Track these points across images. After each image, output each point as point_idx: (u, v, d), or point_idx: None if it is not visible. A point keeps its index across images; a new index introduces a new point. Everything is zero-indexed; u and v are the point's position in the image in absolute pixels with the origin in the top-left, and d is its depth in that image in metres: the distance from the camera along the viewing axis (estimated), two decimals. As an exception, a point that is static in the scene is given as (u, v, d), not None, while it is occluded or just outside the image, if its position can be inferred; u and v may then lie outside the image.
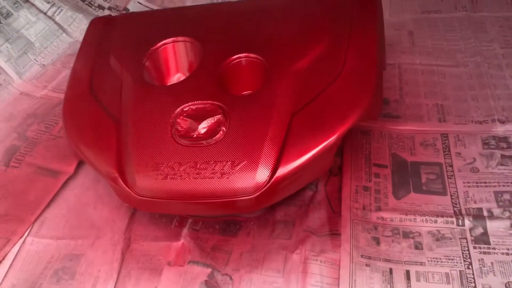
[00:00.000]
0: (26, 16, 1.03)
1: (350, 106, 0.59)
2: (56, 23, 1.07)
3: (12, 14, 1.02)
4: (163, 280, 0.61)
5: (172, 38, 0.72)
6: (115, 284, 0.62)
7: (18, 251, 0.67)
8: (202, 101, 0.62)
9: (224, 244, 0.65)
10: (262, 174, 0.56)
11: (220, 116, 0.61)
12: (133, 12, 1.09)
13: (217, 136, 0.59)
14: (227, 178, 0.56)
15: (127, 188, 0.59)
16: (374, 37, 0.65)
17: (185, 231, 0.66)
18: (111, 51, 0.73)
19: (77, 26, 1.09)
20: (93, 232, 0.69)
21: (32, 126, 0.87)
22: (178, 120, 0.61)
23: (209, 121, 0.61)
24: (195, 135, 0.60)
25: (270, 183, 0.56)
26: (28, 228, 0.70)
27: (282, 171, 0.57)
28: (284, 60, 0.64)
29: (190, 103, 0.62)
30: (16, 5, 1.03)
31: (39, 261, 0.66)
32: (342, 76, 0.61)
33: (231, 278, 0.60)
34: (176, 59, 0.73)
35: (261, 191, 0.56)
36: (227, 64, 0.67)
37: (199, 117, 0.61)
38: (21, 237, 0.69)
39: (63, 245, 0.68)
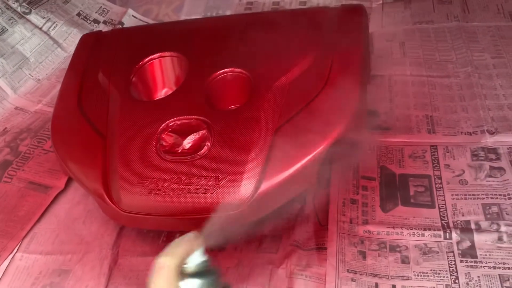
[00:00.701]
0: (21, 32, 1.05)
1: (332, 120, 0.59)
2: (51, 38, 1.08)
3: (7, 30, 1.03)
4: (149, 296, 0.61)
5: (159, 54, 0.73)
6: (102, 300, 0.62)
7: (7, 267, 0.68)
8: (187, 116, 0.63)
9: (211, 259, 0.64)
10: (246, 189, 0.56)
11: (205, 131, 0.61)
12: (123, 28, 1.10)
13: (202, 151, 0.59)
14: (211, 193, 0.56)
15: (112, 205, 0.59)
16: (358, 52, 0.65)
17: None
18: (100, 67, 0.74)
19: (72, 40, 1.10)
20: (81, 247, 0.69)
21: (25, 140, 0.88)
22: (163, 136, 0.62)
23: (193, 136, 0.61)
24: (179, 151, 0.60)
25: (254, 198, 0.56)
26: (17, 244, 0.71)
27: (266, 185, 0.57)
28: (268, 75, 0.65)
29: (175, 118, 0.63)
30: (11, 21, 1.04)
31: (27, 276, 0.66)
32: (325, 91, 0.61)
33: (216, 293, 0.60)
34: (163, 74, 0.74)
35: (245, 206, 0.56)
36: (212, 79, 0.67)
37: (184, 132, 0.61)
38: (10, 253, 0.69)
39: (51, 260, 0.68)
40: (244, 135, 0.59)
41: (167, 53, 0.72)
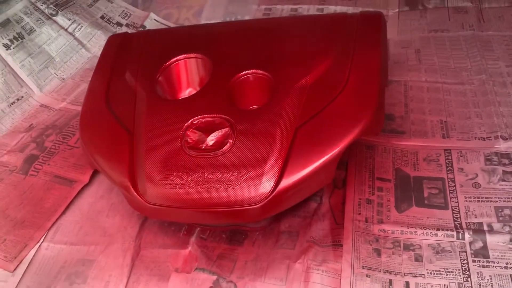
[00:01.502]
0: (48, 32, 1.09)
1: (351, 121, 0.61)
2: (76, 39, 1.12)
3: (35, 30, 1.07)
4: (171, 286, 0.63)
5: (184, 55, 0.76)
6: (125, 288, 0.64)
7: (34, 256, 0.71)
8: (211, 115, 0.65)
9: (230, 253, 0.67)
10: (266, 185, 0.59)
11: (227, 129, 0.64)
12: (148, 30, 1.13)
13: (224, 148, 0.62)
14: (233, 188, 0.59)
15: (138, 197, 0.62)
16: (377, 55, 0.68)
17: (192, 239, 0.69)
18: (127, 67, 0.77)
19: (96, 42, 1.14)
20: (105, 238, 0.72)
21: (50, 136, 0.91)
22: (188, 132, 0.64)
23: (217, 134, 0.63)
24: (203, 147, 0.63)
25: (274, 194, 0.59)
26: (44, 234, 0.73)
27: (285, 182, 0.59)
28: (289, 77, 0.67)
29: (199, 117, 0.65)
30: (39, 22, 1.08)
31: (53, 265, 0.69)
32: (345, 92, 0.64)
33: (235, 286, 0.62)
34: (188, 74, 0.77)
35: (266, 201, 0.58)
36: (235, 80, 0.70)
37: (207, 129, 0.64)
38: (37, 243, 0.72)
39: (76, 251, 0.71)
40: (265, 133, 0.62)
41: (192, 55, 0.75)
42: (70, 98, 1.02)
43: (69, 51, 1.10)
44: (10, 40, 1.01)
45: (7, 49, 1.00)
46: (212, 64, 0.73)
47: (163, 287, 0.64)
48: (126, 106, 0.71)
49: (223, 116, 0.65)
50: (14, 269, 0.69)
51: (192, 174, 0.61)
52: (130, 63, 0.77)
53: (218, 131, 0.64)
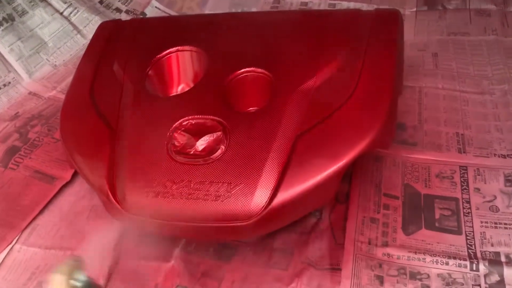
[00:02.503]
0: (41, 15, 1.02)
1: (359, 132, 0.54)
2: (71, 23, 1.06)
3: (27, 12, 1.01)
4: (148, 304, 0.58)
5: (177, 47, 0.69)
6: (98, 303, 0.58)
7: (4, 258, 0.65)
8: (202, 116, 0.59)
9: (216, 270, 0.61)
10: (259, 199, 0.52)
11: (220, 133, 0.57)
12: (142, 18, 1.07)
13: (215, 154, 0.56)
14: (222, 201, 0.52)
15: (116, 204, 0.56)
16: (391, 59, 0.61)
17: (177, 251, 0.63)
18: (116, 57, 0.70)
19: (92, 28, 1.07)
20: (83, 244, 0.66)
21: (35, 127, 0.85)
22: (176, 135, 0.58)
23: (208, 138, 0.57)
24: (192, 152, 0.56)
25: (267, 210, 0.52)
26: (17, 235, 0.68)
27: (281, 197, 0.53)
28: (292, 78, 0.60)
29: (189, 117, 0.59)
30: (32, 3, 1.02)
31: (24, 270, 0.64)
32: (353, 99, 0.57)
33: (219, 310, 0.56)
34: (181, 69, 0.70)
35: (258, 217, 0.52)
36: (232, 78, 0.63)
37: (198, 132, 0.58)
38: (9, 244, 0.67)
39: (50, 255, 0.65)
40: (261, 140, 0.55)
41: (186, 47, 0.69)
42: (61, 87, 0.96)
43: (63, 36, 1.04)
44: (-1, 22, 0.95)
45: (-5, 31, 0.94)
46: (208, 58, 0.66)
47: (140, 305, 0.58)
48: (111, 101, 0.65)
49: (216, 118, 0.58)
50: (-19, 273, 0.63)
51: (177, 182, 0.54)
52: (120, 54, 0.71)
53: (209, 135, 0.57)
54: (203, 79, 0.64)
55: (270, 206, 0.52)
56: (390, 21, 0.67)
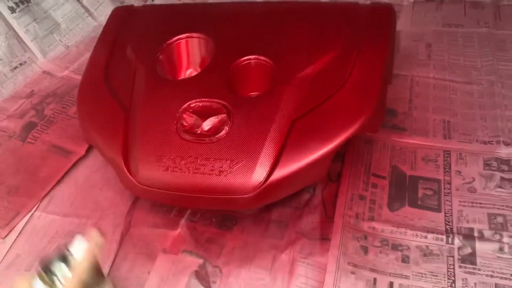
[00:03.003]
0: (55, -3, 1.07)
1: (349, 118, 0.60)
2: (83, 6, 1.10)
3: (41, -6, 1.05)
4: (156, 266, 0.64)
5: (187, 34, 0.74)
6: (112, 265, 0.65)
7: (26, 224, 0.71)
8: (209, 99, 0.64)
9: (219, 238, 0.67)
10: (258, 175, 0.58)
11: (224, 115, 0.63)
12: (154, 4, 1.11)
13: (220, 134, 0.61)
14: (225, 176, 0.58)
15: (129, 175, 0.62)
16: (383, 52, 0.66)
17: (183, 221, 0.69)
18: (129, 42, 0.76)
19: (103, 10, 1.12)
20: (97, 213, 0.72)
21: (50, 105, 0.91)
22: (184, 116, 0.64)
23: (213, 119, 0.63)
24: (198, 131, 0.62)
25: (265, 185, 0.58)
26: (37, 203, 0.74)
27: (278, 174, 0.59)
28: (292, 66, 0.66)
29: (197, 100, 0.65)
30: (46, -14, 1.06)
31: (44, 235, 0.70)
32: (346, 87, 0.62)
33: (220, 271, 0.63)
34: (189, 55, 0.75)
35: (256, 191, 0.58)
36: (237, 65, 0.68)
37: (204, 114, 0.63)
38: (30, 211, 0.73)
39: (67, 222, 0.71)
40: (262, 122, 0.61)
41: (195, 34, 0.74)
42: (73, 67, 1.01)
43: (75, 18, 1.09)
44: (16, 3, 1.00)
45: (12, 12, 0.99)
46: (215, 45, 0.72)
47: (149, 267, 0.64)
48: (124, 83, 0.70)
49: (221, 101, 0.64)
50: (5, 236, 0.70)
51: (185, 158, 0.60)
52: (133, 39, 0.76)
53: (214, 117, 0.63)
54: (210, 64, 0.70)
55: (267, 182, 0.58)
56: (384, 15, 0.72)
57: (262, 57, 0.68)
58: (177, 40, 0.74)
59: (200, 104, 0.64)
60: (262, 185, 0.58)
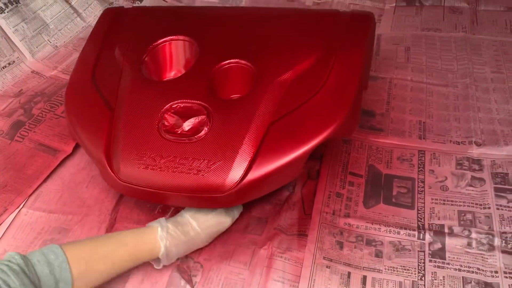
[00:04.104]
0: (44, -2, 1.08)
1: (323, 122, 0.62)
2: (72, 7, 1.12)
3: (30, -5, 1.07)
4: (140, 261, 0.66)
5: (171, 37, 0.76)
6: (96, 259, 0.67)
7: (13, 220, 0.73)
8: (190, 100, 0.67)
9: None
10: (234, 176, 0.60)
11: (204, 116, 0.65)
12: (143, 6, 1.13)
13: (199, 135, 0.64)
14: (202, 175, 0.61)
15: (111, 173, 0.64)
16: (360, 58, 0.68)
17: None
18: (117, 42, 0.78)
19: (92, 11, 1.14)
20: (82, 209, 0.74)
21: (38, 104, 0.92)
22: (166, 116, 0.66)
23: (194, 120, 0.65)
24: (179, 131, 0.65)
25: (241, 184, 0.60)
26: (24, 200, 0.76)
27: (253, 174, 0.61)
28: (272, 70, 0.68)
29: (179, 101, 0.67)
30: (35, -14, 1.08)
31: (31, 231, 0.72)
32: (321, 92, 0.65)
33: (201, 266, 0.65)
34: (174, 56, 0.78)
35: (232, 190, 0.60)
36: (219, 68, 0.71)
37: (185, 115, 0.66)
38: (17, 208, 0.75)
39: (54, 219, 0.73)
40: (239, 125, 0.63)
41: (180, 37, 0.76)
42: (62, 67, 1.03)
43: (64, 19, 1.10)
44: (5, 4, 1.01)
45: (1, 13, 1.00)
46: (199, 48, 0.74)
47: (133, 261, 0.66)
48: (111, 82, 0.72)
49: (202, 103, 0.66)
50: (-7, 232, 0.71)
51: (165, 157, 0.62)
52: (121, 39, 0.78)
53: (195, 118, 0.65)
54: (193, 67, 0.72)
55: (243, 182, 0.60)
56: (364, 23, 0.74)
57: (243, 61, 0.71)
58: (162, 42, 0.76)
59: (182, 105, 0.67)
60: (238, 184, 0.60)
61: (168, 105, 0.67)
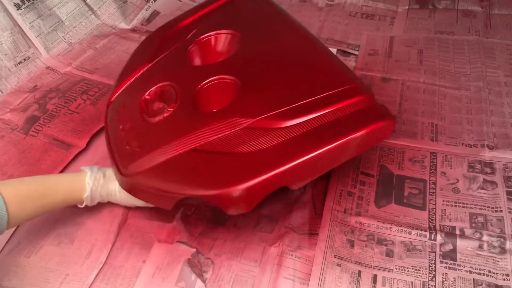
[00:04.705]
0: (60, -5, 1.10)
1: None
2: (87, 4, 1.13)
3: (46, -8, 1.08)
4: (152, 255, 0.67)
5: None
6: (109, 253, 0.68)
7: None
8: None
9: (211, 231, 0.70)
10: None
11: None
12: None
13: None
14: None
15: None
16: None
17: (178, 214, 0.72)
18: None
19: (106, 9, 1.15)
20: (95, 204, 0.75)
21: (53, 99, 0.93)
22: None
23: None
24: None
25: None
26: (38, 193, 0.77)
27: None
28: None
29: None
30: (51, -17, 1.09)
31: (45, 224, 0.72)
32: None
33: (212, 262, 0.66)
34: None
35: None
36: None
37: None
38: (31, 201, 0.76)
39: (67, 213, 0.74)
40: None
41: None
42: (76, 63, 1.04)
43: (79, 16, 1.12)
44: (22, 1, 1.02)
45: (18, 9, 1.01)
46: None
47: (145, 256, 0.67)
48: None
49: None
50: (7, 224, 0.72)
51: None
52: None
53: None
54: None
55: None
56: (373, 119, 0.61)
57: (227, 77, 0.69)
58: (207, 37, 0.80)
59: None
60: None
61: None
